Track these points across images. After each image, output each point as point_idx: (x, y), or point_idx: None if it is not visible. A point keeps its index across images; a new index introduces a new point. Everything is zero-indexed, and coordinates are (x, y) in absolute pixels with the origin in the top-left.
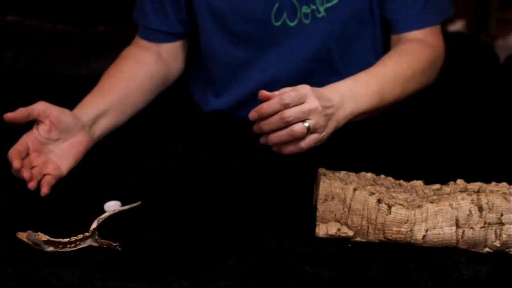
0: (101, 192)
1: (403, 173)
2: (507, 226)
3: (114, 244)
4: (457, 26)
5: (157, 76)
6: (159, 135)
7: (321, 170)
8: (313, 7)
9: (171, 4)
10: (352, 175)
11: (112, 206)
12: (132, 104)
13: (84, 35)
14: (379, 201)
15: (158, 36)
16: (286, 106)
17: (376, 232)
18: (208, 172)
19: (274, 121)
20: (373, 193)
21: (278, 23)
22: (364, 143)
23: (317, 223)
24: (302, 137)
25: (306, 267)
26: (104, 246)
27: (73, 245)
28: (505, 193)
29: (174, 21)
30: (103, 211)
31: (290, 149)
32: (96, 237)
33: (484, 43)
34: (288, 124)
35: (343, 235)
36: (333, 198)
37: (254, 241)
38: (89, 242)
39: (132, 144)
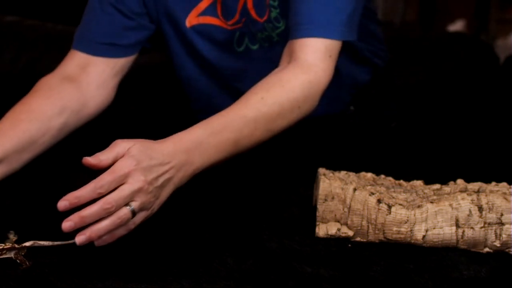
0: None
1: (403, 173)
2: (507, 226)
3: (28, 263)
4: (457, 26)
5: (69, 109)
6: (159, 135)
7: (321, 170)
8: (266, 33)
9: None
10: (352, 175)
11: None
12: (33, 148)
13: None
14: (379, 201)
15: (95, 47)
16: (102, 194)
17: (376, 232)
18: (208, 172)
19: (96, 212)
20: (373, 193)
21: (241, 49)
22: (364, 143)
23: (317, 223)
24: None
25: (306, 267)
26: (18, 261)
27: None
28: (505, 193)
29: (128, 27)
30: None
31: (118, 233)
32: (23, 253)
33: (484, 43)
34: (110, 213)
35: (343, 235)
36: (333, 198)
37: (254, 241)
38: (12, 254)
39: None
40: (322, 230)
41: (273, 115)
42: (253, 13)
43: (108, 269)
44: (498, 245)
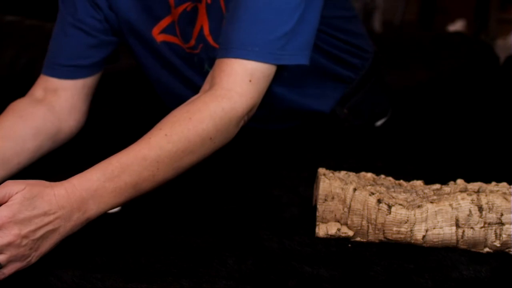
0: None
1: (403, 173)
2: (507, 226)
3: None
4: (457, 26)
5: (44, 132)
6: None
7: (321, 170)
8: None
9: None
10: (352, 175)
11: None
12: (7, 167)
13: None
14: (379, 201)
15: (61, 71)
16: None
17: (376, 232)
18: (208, 172)
19: None
20: (373, 193)
21: (204, 70)
22: (364, 143)
23: (317, 223)
24: None
25: (306, 267)
26: None
27: None
28: (505, 193)
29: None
30: None
31: None
32: None
33: (484, 43)
34: None
35: (343, 235)
36: (333, 198)
37: (254, 241)
38: None
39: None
40: (322, 230)
41: (179, 152)
42: (210, 39)
43: (108, 269)
44: (498, 245)
